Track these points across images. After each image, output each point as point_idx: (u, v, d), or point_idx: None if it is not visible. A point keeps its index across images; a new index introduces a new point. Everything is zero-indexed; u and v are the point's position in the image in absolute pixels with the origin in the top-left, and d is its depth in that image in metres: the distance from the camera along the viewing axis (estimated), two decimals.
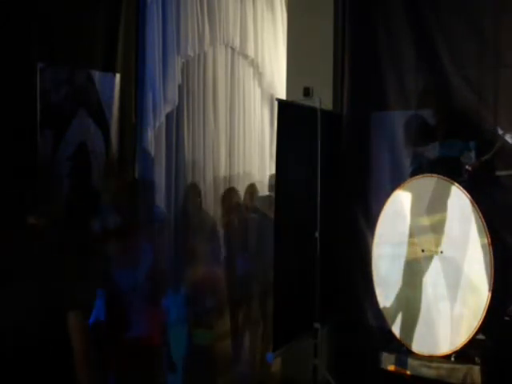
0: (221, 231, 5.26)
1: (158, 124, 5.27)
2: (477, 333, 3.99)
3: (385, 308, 4.42)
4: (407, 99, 4.61)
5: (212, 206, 5.62)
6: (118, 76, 4.87)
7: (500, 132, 4.24)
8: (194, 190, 5.24)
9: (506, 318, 4.13)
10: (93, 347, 3.49)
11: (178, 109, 5.51)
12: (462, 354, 4.07)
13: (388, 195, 4.51)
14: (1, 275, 3.02)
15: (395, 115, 4.71)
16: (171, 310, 4.27)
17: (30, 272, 3.10)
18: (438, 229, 4.21)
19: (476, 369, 4.02)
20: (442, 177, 4.22)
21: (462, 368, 4.06)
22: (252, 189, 5.52)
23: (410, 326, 4.28)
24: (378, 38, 4.73)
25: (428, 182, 4.30)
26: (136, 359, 3.80)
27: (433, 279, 4.19)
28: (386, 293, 4.43)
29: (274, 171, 4.51)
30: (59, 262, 3.31)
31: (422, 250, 4.26)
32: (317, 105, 4.51)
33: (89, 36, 4.65)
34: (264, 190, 5.80)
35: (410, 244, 4.32)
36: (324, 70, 4.96)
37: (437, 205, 4.22)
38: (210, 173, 5.82)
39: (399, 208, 4.42)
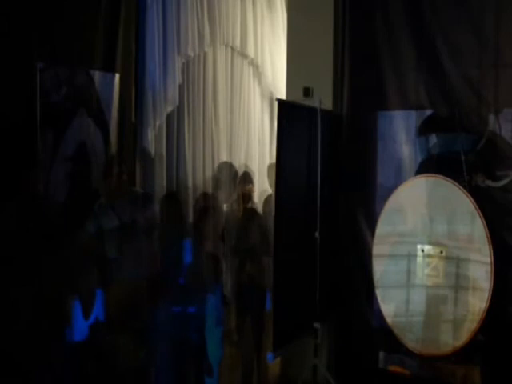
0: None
1: (158, 124, 5.27)
2: (477, 333, 3.99)
3: (385, 308, 4.42)
4: (407, 99, 4.61)
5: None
6: (117, 76, 4.87)
7: (498, 131, 4.24)
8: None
9: (506, 319, 4.13)
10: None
11: (179, 109, 5.51)
12: (462, 355, 4.06)
13: (388, 195, 4.51)
14: None
15: (395, 115, 4.71)
16: (208, 312, 4.25)
17: None
18: (438, 229, 4.21)
19: (476, 369, 4.02)
20: (442, 177, 4.22)
21: (461, 368, 4.06)
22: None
23: (409, 326, 4.28)
24: (378, 38, 4.72)
25: (428, 182, 4.30)
26: None
27: (433, 279, 4.19)
28: (385, 293, 4.43)
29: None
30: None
31: (422, 250, 4.26)
32: (317, 105, 4.51)
33: (89, 36, 4.65)
34: (264, 189, 5.79)
35: (410, 244, 4.32)
36: (324, 70, 4.96)
37: (437, 205, 4.22)
38: (210, 173, 5.82)
39: (399, 208, 4.42)
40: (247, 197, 5.10)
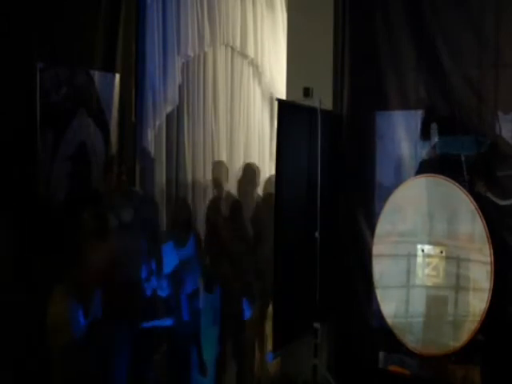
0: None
1: (158, 124, 5.27)
2: (477, 333, 3.99)
3: (384, 308, 4.42)
4: (407, 99, 4.61)
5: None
6: (117, 76, 4.88)
7: (498, 131, 4.24)
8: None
9: (506, 319, 4.13)
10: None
11: (179, 109, 5.51)
12: (462, 355, 4.06)
13: (388, 195, 4.51)
14: None
15: (395, 115, 4.71)
16: (204, 311, 4.24)
17: None
18: (438, 229, 4.21)
19: (476, 369, 4.02)
20: (442, 177, 4.22)
21: (461, 368, 4.06)
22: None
23: (409, 326, 4.28)
24: (378, 38, 4.72)
25: (428, 182, 4.30)
26: None
27: (433, 279, 4.19)
28: (385, 293, 4.43)
29: (273, 171, 4.51)
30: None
31: (422, 250, 4.26)
32: (317, 105, 4.51)
33: (89, 36, 4.66)
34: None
35: (410, 244, 4.32)
36: (324, 70, 4.96)
37: (437, 205, 4.22)
38: (211, 172, 5.82)
39: (399, 208, 4.42)
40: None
